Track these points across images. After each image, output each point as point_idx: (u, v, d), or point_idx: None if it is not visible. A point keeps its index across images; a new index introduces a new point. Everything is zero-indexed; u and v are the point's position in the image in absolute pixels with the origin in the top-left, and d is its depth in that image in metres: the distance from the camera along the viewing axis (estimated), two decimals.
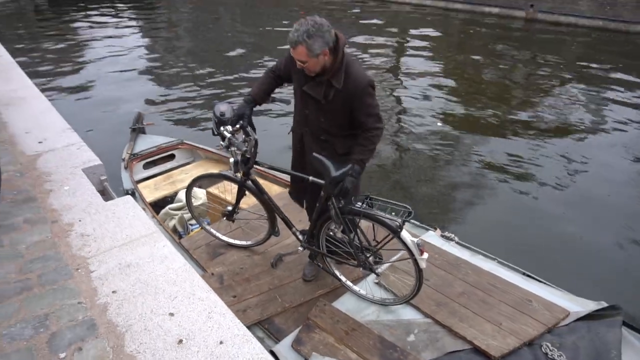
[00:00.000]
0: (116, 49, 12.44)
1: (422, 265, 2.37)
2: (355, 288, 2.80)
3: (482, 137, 7.00)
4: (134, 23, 16.65)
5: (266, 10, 18.64)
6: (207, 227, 3.38)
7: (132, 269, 2.01)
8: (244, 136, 2.61)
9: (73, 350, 1.62)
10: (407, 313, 2.66)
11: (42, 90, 4.68)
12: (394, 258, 2.93)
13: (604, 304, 2.59)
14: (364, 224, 2.56)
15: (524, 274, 2.96)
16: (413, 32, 14.24)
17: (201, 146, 4.93)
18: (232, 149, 2.58)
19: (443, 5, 16.85)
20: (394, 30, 14.44)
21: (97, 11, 18.27)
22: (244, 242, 3.26)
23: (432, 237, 3.33)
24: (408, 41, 13.38)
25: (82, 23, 16.33)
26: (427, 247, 3.14)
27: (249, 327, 2.56)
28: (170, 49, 13.06)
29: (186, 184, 4.37)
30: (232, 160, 2.67)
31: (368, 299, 2.73)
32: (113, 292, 1.88)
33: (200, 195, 4.22)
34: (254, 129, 2.65)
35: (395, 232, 2.32)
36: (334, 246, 2.70)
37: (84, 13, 17.96)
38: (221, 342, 1.64)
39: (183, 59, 11.56)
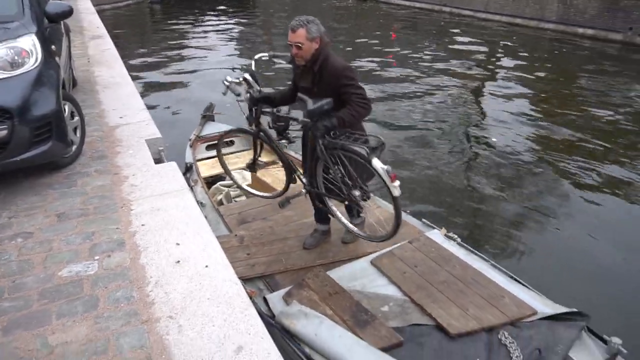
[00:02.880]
0: (209, 49, 13.83)
1: (395, 192, 2.51)
2: (344, 220, 3.16)
3: (557, 166, 6.61)
4: (231, 27, 18.17)
5: (352, 21, 19.30)
6: (236, 177, 3.96)
7: (161, 211, 2.62)
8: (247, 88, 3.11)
9: (104, 256, 2.25)
10: (388, 289, 3.01)
11: (136, 78, 5.66)
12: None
13: (574, 310, 2.75)
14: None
15: (511, 277, 3.16)
16: (500, 49, 14.06)
17: None
18: (238, 96, 3.10)
19: (534, 25, 16.34)
20: (481, 47, 14.34)
21: (202, 15, 20.15)
22: (265, 194, 3.76)
23: (436, 234, 3.60)
24: (493, 58, 13.27)
25: (186, 26, 18.16)
26: (427, 242, 3.46)
27: (253, 279, 3.13)
28: (256, 52, 14.16)
29: (238, 166, 5.08)
30: (245, 115, 3.19)
31: (350, 229, 3.12)
32: (142, 225, 2.50)
33: (248, 177, 4.88)
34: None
35: (366, 159, 2.52)
36: (330, 188, 3.01)
37: (191, 16, 19.92)
38: (206, 266, 2.18)
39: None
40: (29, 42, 2.89)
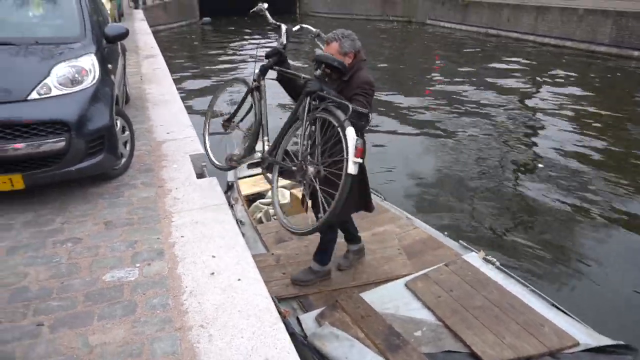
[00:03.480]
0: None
1: (350, 169, 2.22)
2: (277, 203, 2.95)
3: (604, 191, 6.28)
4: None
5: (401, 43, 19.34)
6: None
7: (199, 224, 2.73)
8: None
9: (145, 264, 2.35)
10: (422, 313, 2.95)
11: (184, 94, 5.92)
12: None
13: (621, 343, 2.60)
14: None
15: (552, 304, 3.03)
16: (548, 74, 13.65)
17: None
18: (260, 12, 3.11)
19: (585, 48, 15.83)
20: (528, 72, 14.00)
21: (249, 34, 20.88)
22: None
23: (474, 257, 3.52)
24: (542, 83, 12.92)
25: (233, 43, 18.87)
26: (464, 265, 3.39)
27: (287, 299, 3.15)
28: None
29: (279, 184, 5.17)
30: (256, 70, 3.12)
31: (279, 215, 2.83)
32: (181, 236, 2.60)
33: (287, 195, 4.96)
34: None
35: (341, 122, 2.31)
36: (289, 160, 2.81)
37: (239, 35, 20.70)
38: (239, 280, 2.23)
39: None
40: (89, 62, 3.12)
